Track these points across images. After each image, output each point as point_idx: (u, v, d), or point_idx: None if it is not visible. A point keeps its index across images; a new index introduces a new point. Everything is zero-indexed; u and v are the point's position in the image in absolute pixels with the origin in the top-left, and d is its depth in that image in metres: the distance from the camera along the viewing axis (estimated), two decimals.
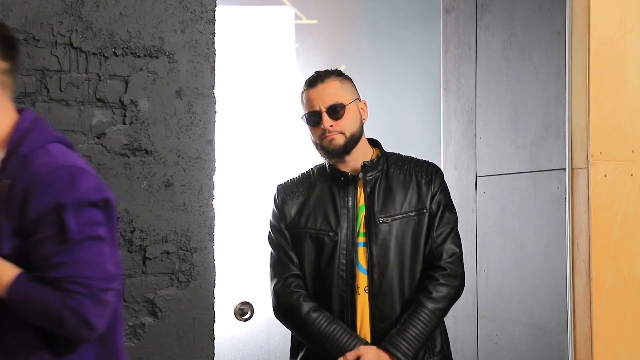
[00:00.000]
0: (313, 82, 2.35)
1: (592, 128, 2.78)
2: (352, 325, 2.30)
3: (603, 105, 2.80)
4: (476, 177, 3.38)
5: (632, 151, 2.84)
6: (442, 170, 3.54)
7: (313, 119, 2.32)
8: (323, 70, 2.38)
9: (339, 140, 2.31)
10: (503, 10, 3.22)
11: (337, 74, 2.37)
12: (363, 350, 2.25)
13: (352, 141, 2.33)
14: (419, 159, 2.46)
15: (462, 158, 3.47)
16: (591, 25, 2.79)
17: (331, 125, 2.30)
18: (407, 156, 2.46)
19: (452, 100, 3.56)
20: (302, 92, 2.38)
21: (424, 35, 3.65)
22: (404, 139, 3.45)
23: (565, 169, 2.84)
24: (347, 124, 2.32)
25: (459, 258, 2.38)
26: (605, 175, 2.79)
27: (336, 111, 2.31)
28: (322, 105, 2.31)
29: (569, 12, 2.86)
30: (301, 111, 2.40)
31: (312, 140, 2.38)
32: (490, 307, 3.25)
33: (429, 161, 2.46)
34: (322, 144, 2.33)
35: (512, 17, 3.17)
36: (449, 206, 2.41)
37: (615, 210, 2.79)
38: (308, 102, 2.34)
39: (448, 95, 3.60)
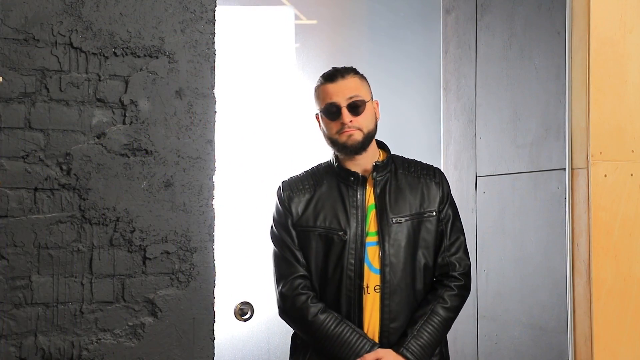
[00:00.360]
0: (332, 76, 2.35)
1: (592, 128, 2.78)
2: (360, 324, 2.31)
3: (603, 105, 2.80)
4: (476, 177, 3.38)
5: (632, 151, 2.84)
6: (443, 170, 3.57)
7: (332, 113, 2.32)
8: (340, 66, 2.39)
9: (357, 136, 2.32)
10: (503, 10, 3.22)
11: (356, 71, 2.39)
12: (382, 353, 2.26)
13: (369, 139, 2.35)
14: (424, 162, 2.48)
15: (462, 158, 3.47)
16: (591, 25, 2.79)
17: (350, 121, 2.30)
18: (412, 159, 2.48)
19: (452, 100, 3.56)
20: (318, 87, 2.37)
21: (424, 35, 3.65)
22: (404, 139, 3.45)
23: (565, 169, 2.84)
24: (365, 121, 2.33)
25: (470, 269, 2.45)
26: (605, 175, 2.79)
27: (356, 107, 2.32)
28: (342, 100, 2.31)
29: (569, 12, 2.86)
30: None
31: (325, 134, 2.37)
32: (490, 307, 3.25)
33: (434, 165, 2.49)
34: (339, 139, 2.33)
35: (512, 17, 3.17)
36: (457, 215, 2.48)
37: (615, 210, 2.79)
38: (326, 96, 2.33)
39: (448, 95, 3.60)
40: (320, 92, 2.36)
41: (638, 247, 2.82)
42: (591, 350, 2.74)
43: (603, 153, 2.79)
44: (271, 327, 3.18)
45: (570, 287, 2.82)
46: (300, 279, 2.33)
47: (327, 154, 2.47)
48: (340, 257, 2.31)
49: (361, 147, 2.33)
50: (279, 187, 2.43)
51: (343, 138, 2.32)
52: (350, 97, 2.31)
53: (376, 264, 2.32)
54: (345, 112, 2.31)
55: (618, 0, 2.84)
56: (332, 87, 2.33)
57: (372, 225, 2.34)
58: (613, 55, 2.83)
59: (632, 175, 2.83)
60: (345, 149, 2.33)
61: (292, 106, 3.36)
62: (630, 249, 2.81)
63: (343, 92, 2.32)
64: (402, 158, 2.47)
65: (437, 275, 2.41)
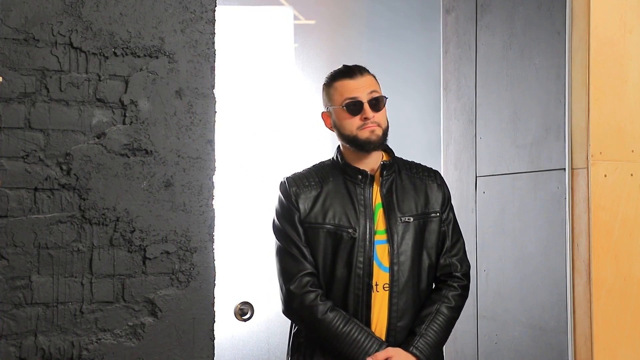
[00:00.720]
0: (351, 72, 2.35)
1: (592, 128, 2.78)
2: (367, 322, 2.31)
3: (603, 105, 2.80)
4: (476, 177, 3.38)
5: (632, 151, 2.84)
6: (442, 170, 3.57)
7: (354, 107, 2.31)
8: (352, 64, 2.39)
9: (378, 132, 2.32)
10: (503, 10, 3.22)
11: (369, 70, 2.39)
12: (392, 351, 2.26)
13: (385, 136, 2.36)
14: (422, 165, 2.50)
15: (462, 158, 3.47)
16: (591, 25, 2.79)
17: (373, 116, 2.30)
18: (411, 161, 2.50)
19: (452, 100, 3.56)
20: (332, 82, 2.36)
21: (424, 35, 3.65)
22: (404, 139, 3.45)
23: (565, 169, 2.85)
24: (382, 118, 2.35)
25: (469, 269, 2.49)
26: (605, 175, 2.79)
27: (377, 102, 2.33)
28: (363, 96, 2.31)
29: (569, 12, 2.86)
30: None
31: (342, 131, 2.35)
32: (490, 307, 3.25)
33: (433, 168, 2.51)
34: (361, 135, 2.31)
35: (512, 17, 3.17)
36: (455, 217, 2.48)
37: (615, 210, 2.79)
38: (346, 91, 2.32)
39: (448, 95, 3.60)
40: (338, 88, 2.35)
41: (638, 247, 2.82)
42: (591, 350, 2.74)
43: (603, 153, 2.79)
44: (271, 327, 3.18)
45: (570, 287, 2.82)
46: (308, 276, 2.31)
47: (326, 153, 2.47)
48: (349, 255, 2.31)
49: (381, 143, 2.34)
50: (283, 182, 2.40)
51: (365, 134, 2.31)
52: (371, 93, 2.32)
53: (385, 262, 2.32)
54: (367, 108, 2.31)
55: (618, 0, 2.84)
56: (353, 83, 2.33)
57: (380, 223, 2.34)
58: (613, 55, 2.82)
59: (632, 175, 2.83)
60: (369, 144, 2.32)
61: (291, 106, 3.36)
62: (630, 249, 2.81)
63: (364, 87, 2.32)
64: (402, 159, 2.48)
65: (439, 276, 2.43)
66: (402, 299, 2.33)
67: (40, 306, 2.17)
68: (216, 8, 2.38)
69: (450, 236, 2.44)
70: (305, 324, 2.34)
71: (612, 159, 2.80)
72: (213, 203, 2.35)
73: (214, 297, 2.34)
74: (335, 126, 2.38)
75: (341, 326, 2.27)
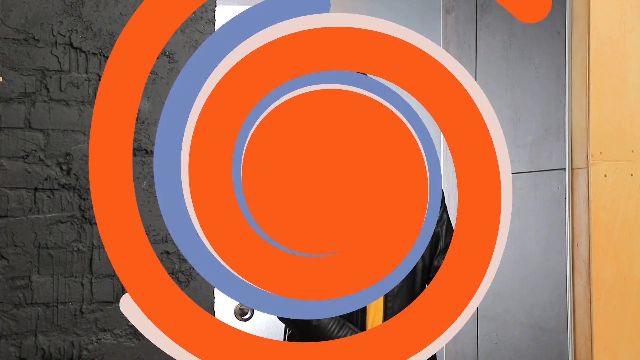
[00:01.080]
0: None
1: (592, 128, 2.78)
2: (362, 327, 2.30)
3: (603, 105, 2.80)
4: None
5: (632, 151, 2.84)
6: (442, 170, 3.57)
7: None
8: None
9: None
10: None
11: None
12: None
13: None
14: None
15: None
16: (591, 25, 2.79)
17: None
18: None
19: None
20: None
21: (424, 35, 3.64)
22: None
23: (565, 169, 2.85)
24: None
25: None
26: (605, 175, 2.79)
27: None
28: None
29: (569, 12, 2.86)
30: None
31: None
32: (490, 307, 3.25)
33: None
34: None
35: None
36: (449, 216, 2.47)
37: (615, 210, 2.79)
38: None
39: None
40: None
41: (638, 247, 2.82)
42: (591, 350, 2.74)
43: (603, 153, 2.79)
44: (271, 327, 3.18)
45: (570, 287, 2.82)
46: None
47: None
48: None
49: None
50: None
51: None
52: None
53: None
54: None
55: (618, 0, 2.84)
56: None
57: None
58: (613, 55, 2.83)
59: (632, 175, 2.83)
60: None
61: None
62: (630, 249, 2.81)
63: None
64: None
65: (431, 277, 2.42)
66: (397, 303, 2.32)
67: (40, 306, 2.17)
68: (216, 8, 2.38)
69: (444, 237, 2.42)
70: (299, 329, 2.34)
71: (612, 159, 2.80)
72: None
73: (214, 297, 2.34)
74: None
75: (336, 331, 2.27)
